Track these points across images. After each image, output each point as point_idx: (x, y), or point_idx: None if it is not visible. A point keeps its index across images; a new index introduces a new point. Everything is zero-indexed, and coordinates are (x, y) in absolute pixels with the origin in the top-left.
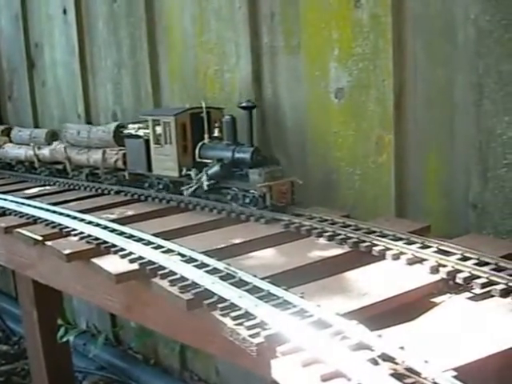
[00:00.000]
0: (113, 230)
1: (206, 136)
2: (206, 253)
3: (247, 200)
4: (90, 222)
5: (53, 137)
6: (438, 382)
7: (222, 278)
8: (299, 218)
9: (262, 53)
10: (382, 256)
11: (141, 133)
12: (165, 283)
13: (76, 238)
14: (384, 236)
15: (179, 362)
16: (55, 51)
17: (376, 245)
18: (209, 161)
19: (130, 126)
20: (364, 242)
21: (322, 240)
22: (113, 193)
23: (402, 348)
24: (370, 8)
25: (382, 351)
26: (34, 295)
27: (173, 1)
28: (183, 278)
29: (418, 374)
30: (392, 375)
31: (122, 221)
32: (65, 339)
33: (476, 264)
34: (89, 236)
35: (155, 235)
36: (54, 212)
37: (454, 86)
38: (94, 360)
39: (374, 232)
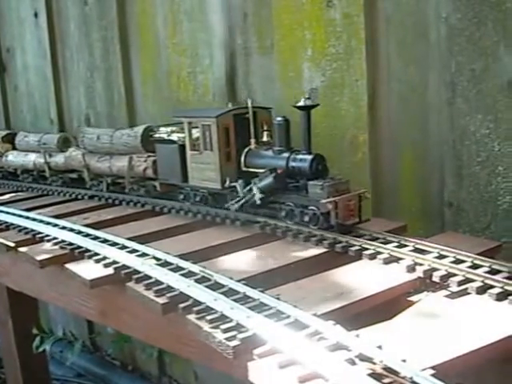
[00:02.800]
0: (87, 235)
1: (253, 141)
2: (181, 256)
3: (306, 218)
4: (63, 228)
5: (65, 142)
6: (417, 380)
7: (198, 281)
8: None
9: (236, 54)
10: (358, 256)
11: (174, 137)
12: (140, 287)
13: (49, 244)
14: (360, 236)
15: (157, 367)
16: (27, 55)
17: (352, 245)
18: (257, 170)
19: (162, 129)
20: (340, 242)
21: (298, 241)
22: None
23: (379, 347)
24: (342, 8)
25: (359, 351)
26: (8, 303)
27: (145, 3)
28: (158, 282)
29: (395, 373)
30: (370, 375)
31: (97, 225)
32: (41, 349)
33: (452, 262)
34: (62, 241)
35: (130, 239)
36: (27, 218)
37: (428, 85)
38: (72, 367)
39: (351, 232)
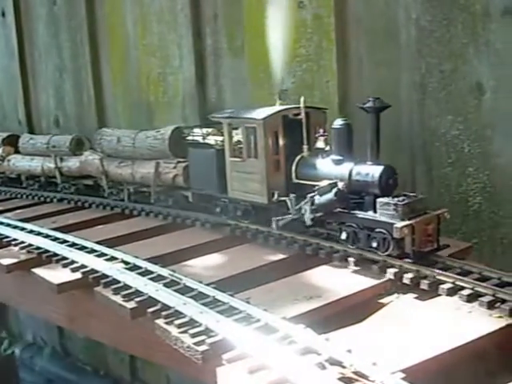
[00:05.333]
0: (55, 239)
1: (306, 147)
2: (150, 259)
3: (373, 243)
4: (31, 231)
5: (78, 145)
6: None
7: (167, 285)
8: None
9: (206, 55)
10: (328, 258)
11: (211, 140)
12: (108, 292)
13: (17, 248)
14: (330, 239)
15: (129, 372)
16: None
17: (322, 248)
18: (311, 183)
19: (196, 130)
20: (310, 244)
21: (268, 244)
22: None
23: (349, 351)
24: (313, 9)
25: (329, 355)
26: None
27: (114, 3)
28: (127, 286)
29: (365, 377)
30: (340, 379)
31: (65, 229)
32: (9, 351)
33: (423, 264)
34: (30, 245)
35: (99, 243)
36: None
37: (399, 86)
38: (42, 373)
39: (322, 234)
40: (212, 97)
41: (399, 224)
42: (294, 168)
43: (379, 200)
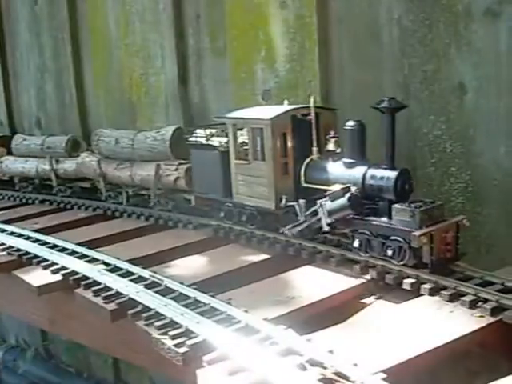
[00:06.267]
0: (36, 241)
1: (315, 150)
2: (131, 261)
3: (389, 251)
4: (11, 233)
5: (74, 146)
6: None
7: (147, 287)
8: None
9: (188, 55)
10: (310, 259)
11: (215, 142)
12: (88, 294)
13: None
14: (313, 239)
15: (113, 373)
16: None
17: (305, 248)
18: (321, 187)
19: (199, 131)
20: (293, 245)
21: (251, 244)
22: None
23: (330, 352)
24: (295, 8)
25: (310, 356)
26: None
27: (96, 3)
28: (107, 288)
29: (346, 377)
30: (320, 380)
31: (47, 230)
32: None
33: (405, 264)
34: (10, 247)
35: (80, 244)
36: None
37: (381, 86)
38: (25, 376)
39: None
40: (194, 97)
41: (417, 232)
42: (302, 171)
43: (395, 206)
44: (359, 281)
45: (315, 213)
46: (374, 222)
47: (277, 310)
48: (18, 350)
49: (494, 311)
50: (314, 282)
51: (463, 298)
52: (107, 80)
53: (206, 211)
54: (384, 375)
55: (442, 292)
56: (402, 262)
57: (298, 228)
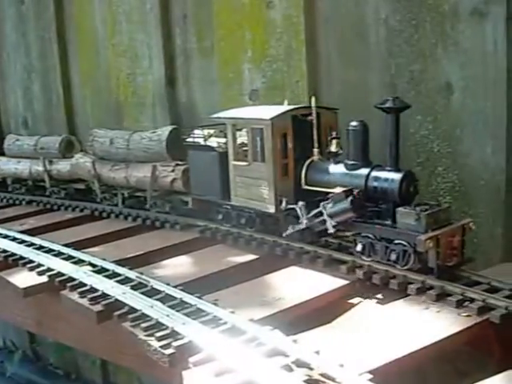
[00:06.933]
0: (22, 242)
1: (316, 151)
2: (118, 262)
3: (393, 256)
4: None
5: (68, 147)
6: None
7: (134, 288)
8: None
9: (175, 55)
10: (297, 259)
11: (213, 142)
12: (74, 295)
13: None
14: (301, 240)
15: (101, 375)
16: None
17: (292, 248)
18: (323, 189)
19: (197, 131)
20: (280, 245)
21: (238, 245)
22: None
23: (317, 353)
24: (282, 9)
25: (296, 357)
26: None
27: (83, 2)
28: (93, 289)
29: (332, 379)
30: (306, 381)
31: (33, 231)
32: None
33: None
34: None
35: (66, 245)
36: None
37: (368, 86)
38: (13, 378)
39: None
40: (182, 97)
41: (423, 236)
42: (303, 173)
43: (400, 209)
44: (346, 281)
45: (317, 215)
46: (378, 226)
47: (263, 311)
48: (6, 352)
49: (480, 311)
50: (301, 283)
51: (450, 298)
52: (94, 80)
53: (203, 213)
54: (370, 376)
55: (429, 292)
56: (406, 267)
57: (299, 231)
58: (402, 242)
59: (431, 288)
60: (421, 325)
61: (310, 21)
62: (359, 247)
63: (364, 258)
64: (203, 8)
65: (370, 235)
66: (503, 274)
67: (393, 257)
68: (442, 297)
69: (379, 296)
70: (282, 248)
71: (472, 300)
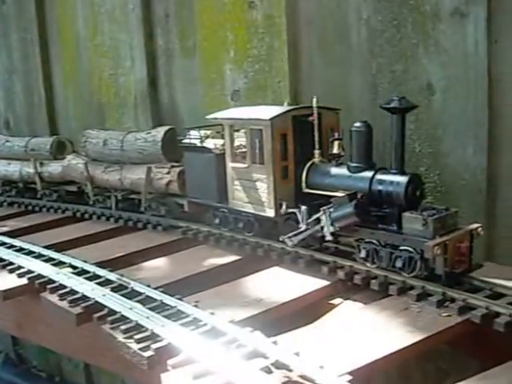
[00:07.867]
0: (2, 244)
1: (318, 152)
2: (99, 264)
3: (398, 262)
4: None
5: (59, 148)
6: None
7: (114, 290)
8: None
9: (157, 55)
10: (279, 260)
11: (210, 144)
12: (54, 298)
13: None
14: (281, 241)
15: (85, 378)
16: None
17: (274, 249)
18: (324, 193)
19: (193, 132)
20: (262, 246)
21: (220, 246)
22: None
23: (296, 354)
24: (264, 9)
25: (276, 359)
26: None
27: (65, 2)
28: (73, 292)
29: (311, 380)
30: (285, 383)
31: (13, 233)
32: None
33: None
34: None
35: (47, 247)
36: None
37: (350, 86)
38: None
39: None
40: (164, 97)
41: (431, 242)
42: (304, 176)
43: (406, 214)
44: (328, 282)
45: (318, 220)
46: (383, 231)
47: (244, 312)
48: None
49: (461, 311)
50: (283, 284)
51: (430, 298)
52: (76, 81)
53: (199, 217)
54: (350, 377)
55: (410, 292)
56: (412, 274)
57: (300, 236)
58: (408, 249)
59: (412, 288)
60: (402, 325)
61: (291, 21)
62: (363, 253)
63: (368, 264)
64: (185, 8)
65: (375, 241)
66: (485, 274)
67: (398, 263)
68: (422, 297)
69: (360, 296)
70: (263, 249)
71: (453, 300)
